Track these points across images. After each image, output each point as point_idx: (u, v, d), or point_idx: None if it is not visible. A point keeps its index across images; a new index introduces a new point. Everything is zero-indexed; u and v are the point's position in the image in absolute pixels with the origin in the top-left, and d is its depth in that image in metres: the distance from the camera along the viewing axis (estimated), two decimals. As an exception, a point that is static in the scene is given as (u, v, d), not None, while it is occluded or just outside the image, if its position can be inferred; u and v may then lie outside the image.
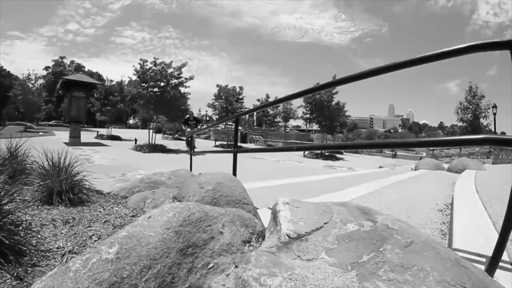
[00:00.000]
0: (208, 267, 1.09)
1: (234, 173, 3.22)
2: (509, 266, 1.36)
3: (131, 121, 72.42)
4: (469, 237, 1.71)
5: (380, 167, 13.91)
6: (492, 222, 1.95)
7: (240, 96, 28.50)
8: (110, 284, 0.82)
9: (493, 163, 16.39)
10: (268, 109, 33.32)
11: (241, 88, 29.22)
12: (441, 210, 2.81)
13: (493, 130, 29.80)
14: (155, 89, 19.19)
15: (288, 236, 1.11)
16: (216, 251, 1.15)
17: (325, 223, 1.18)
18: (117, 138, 25.23)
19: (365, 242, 0.97)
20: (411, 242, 0.92)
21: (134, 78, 19.88)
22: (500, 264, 1.27)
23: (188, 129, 17.02)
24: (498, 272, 1.25)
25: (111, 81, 31.23)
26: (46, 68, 75.23)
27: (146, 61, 19.36)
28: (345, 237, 1.03)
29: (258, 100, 32.38)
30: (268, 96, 35.47)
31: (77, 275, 0.81)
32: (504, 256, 1.36)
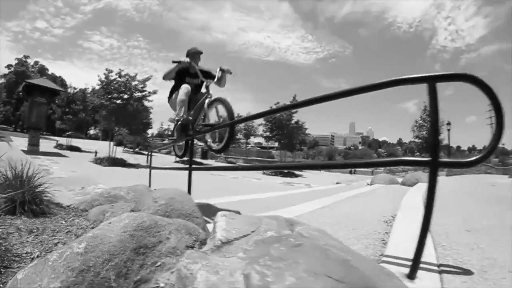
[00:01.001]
0: (156, 265, 1.39)
1: (189, 190, 3.50)
2: (435, 268, 1.62)
3: (92, 132, 69.43)
4: (403, 244, 1.96)
5: (337, 183, 14.55)
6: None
7: None
8: (79, 271, 1.10)
9: (446, 175, 17.80)
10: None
11: None
12: (387, 222, 3.01)
13: (448, 144, 33.06)
14: (118, 101, 19.02)
15: (220, 241, 1.45)
16: (163, 253, 1.46)
17: (252, 232, 1.53)
18: (76, 149, 24.38)
19: (270, 244, 1.34)
20: (299, 244, 1.29)
21: (97, 87, 19.60)
22: (427, 266, 1.57)
23: (183, 91, 4.14)
24: (422, 273, 1.47)
25: (75, 88, 30.39)
26: (8, 66, 70.31)
27: (111, 71, 19.22)
28: (260, 242, 1.39)
29: (221, 116, 32.92)
30: None
31: (54, 264, 1.09)
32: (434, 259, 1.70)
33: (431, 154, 1.49)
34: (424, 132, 33.44)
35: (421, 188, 6.07)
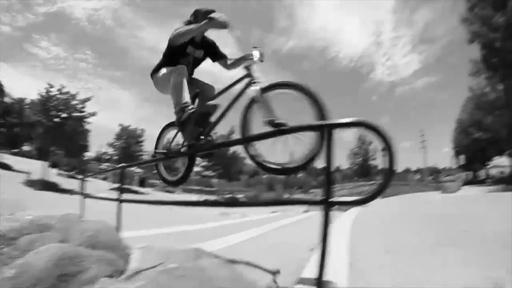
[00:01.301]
0: (77, 291, 1.68)
1: (118, 222, 3.65)
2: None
3: (26, 148, 62.95)
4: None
5: (274, 211, 14.83)
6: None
7: (141, 139, 28.49)
8: (9, 293, 1.37)
9: (382, 197, 19.25)
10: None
11: (142, 130, 29.30)
12: (313, 249, 3.12)
13: (382, 168, 36.61)
14: (56, 119, 18.14)
15: (132, 271, 1.79)
16: (83, 281, 1.75)
17: (159, 263, 1.89)
18: (7, 167, 22.12)
19: (167, 274, 1.71)
20: (182, 275, 1.68)
21: (36, 101, 18.60)
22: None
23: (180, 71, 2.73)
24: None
25: (13, 99, 27.66)
26: None
27: (52, 86, 18.43)
28: (162, 272, 1.76)
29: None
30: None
31: (-13, 287, 1.36)
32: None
33: (325, 194, 1.58)
34: (360, 159, 36.82)
35: (354, 213, 6.86)
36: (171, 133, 3.28)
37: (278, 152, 2.40)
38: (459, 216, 5.49)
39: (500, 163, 50.45)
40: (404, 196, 18.79)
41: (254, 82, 2.53)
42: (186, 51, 2.92)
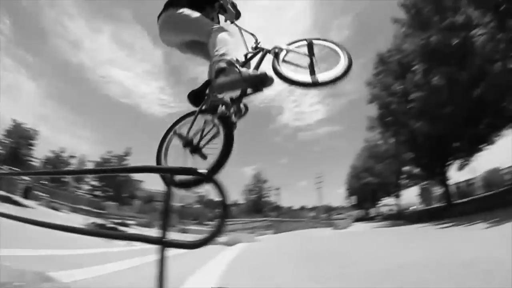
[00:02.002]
0: None
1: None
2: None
3: None
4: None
5: None
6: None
7: (32, 141, 25.89)
8: None
9: (274, 233, 20.23)
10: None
11: (36, 132, 26.74)
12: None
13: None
14: None
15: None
16: None
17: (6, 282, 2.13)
18: None
19: None
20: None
21: None
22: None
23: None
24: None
25: None
26: None
27: None
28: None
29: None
30: (62, 151, 33.43)
31: None
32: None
33: (162, 233, 1.57)
34: (254, 196, 39.44)
35: (239, 248, 7.34)
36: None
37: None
38: (340, 252, 6.11)
39: (388, 203, 58.39)
40: (297, 232, 20.26)
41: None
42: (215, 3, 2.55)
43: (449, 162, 24.26)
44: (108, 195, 24.63)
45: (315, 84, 1.93)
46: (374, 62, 24.49)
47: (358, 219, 50.31)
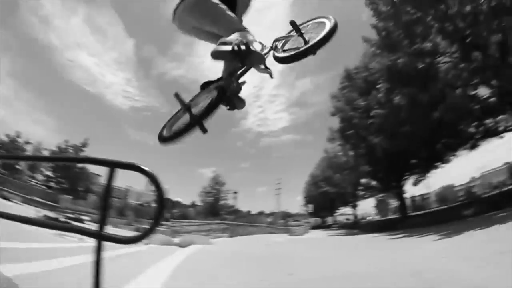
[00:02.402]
0: None
1: None
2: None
3: None
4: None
5: None
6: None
7: None
8: None
9: (230, 236, 20.16)
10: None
11: None
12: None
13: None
14: None
15: None
16: None
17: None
18: None
19: None
20: None
21: None
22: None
23: None
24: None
25: None
26: None
27: None
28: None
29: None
30: (18, 135, 31.19)
31: None
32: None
33: (99, 227, 1.55)
34: (211, 198, 40.02)
35: (193, 249, 7.32)
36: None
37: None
38: (291, 258, 6.24)
39: (345, 212, 60.59)
40: (253, 237, 20.40)
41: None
42: None
43: (405, 177, 25.91)
44: (63, 187, 23.07)
45: (310, 49, 2.01)
46: (341, 77, 25.62)
47: (315, 227, 51.64)
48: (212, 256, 6.66)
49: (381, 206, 55.81)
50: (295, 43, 2.22)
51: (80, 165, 22.45)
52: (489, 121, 16.83)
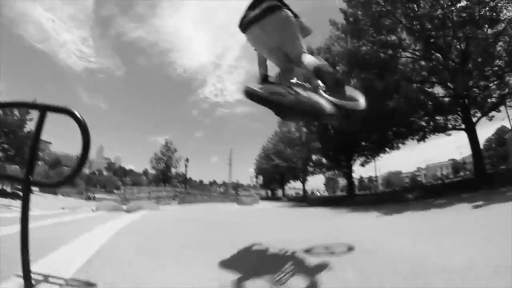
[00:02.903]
0: None
1: None
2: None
3: None
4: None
5: (63, 208, 13.41)
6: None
7: None
8: None
9: (178, 203, 20.18)
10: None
11: None
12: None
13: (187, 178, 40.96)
14: None
15: None
16: None
17: None
18: None
19: None
20: None
21: None
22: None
23: None
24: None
25: None
26: None
27: None
28: None
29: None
30: None
31: None
32: None
33: (27, 172, 1.56)
34: (162, 165, 39.34)
35: (139, 215, 7.32)
36: None
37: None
38: (236, 225, 6.43)
39: (295, 186, 63.21)
40: (202, 205, 20.49)
41: None
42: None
43: (354, 157, 27.53)
44: (9, 155, 20.87)
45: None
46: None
47: (265, 198, 53.18)
48: (157, 220, 6.71)
49: (330, 184, 58.94)
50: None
51: (26, 129, 20.50)
52: (439, 118, 18.11)
